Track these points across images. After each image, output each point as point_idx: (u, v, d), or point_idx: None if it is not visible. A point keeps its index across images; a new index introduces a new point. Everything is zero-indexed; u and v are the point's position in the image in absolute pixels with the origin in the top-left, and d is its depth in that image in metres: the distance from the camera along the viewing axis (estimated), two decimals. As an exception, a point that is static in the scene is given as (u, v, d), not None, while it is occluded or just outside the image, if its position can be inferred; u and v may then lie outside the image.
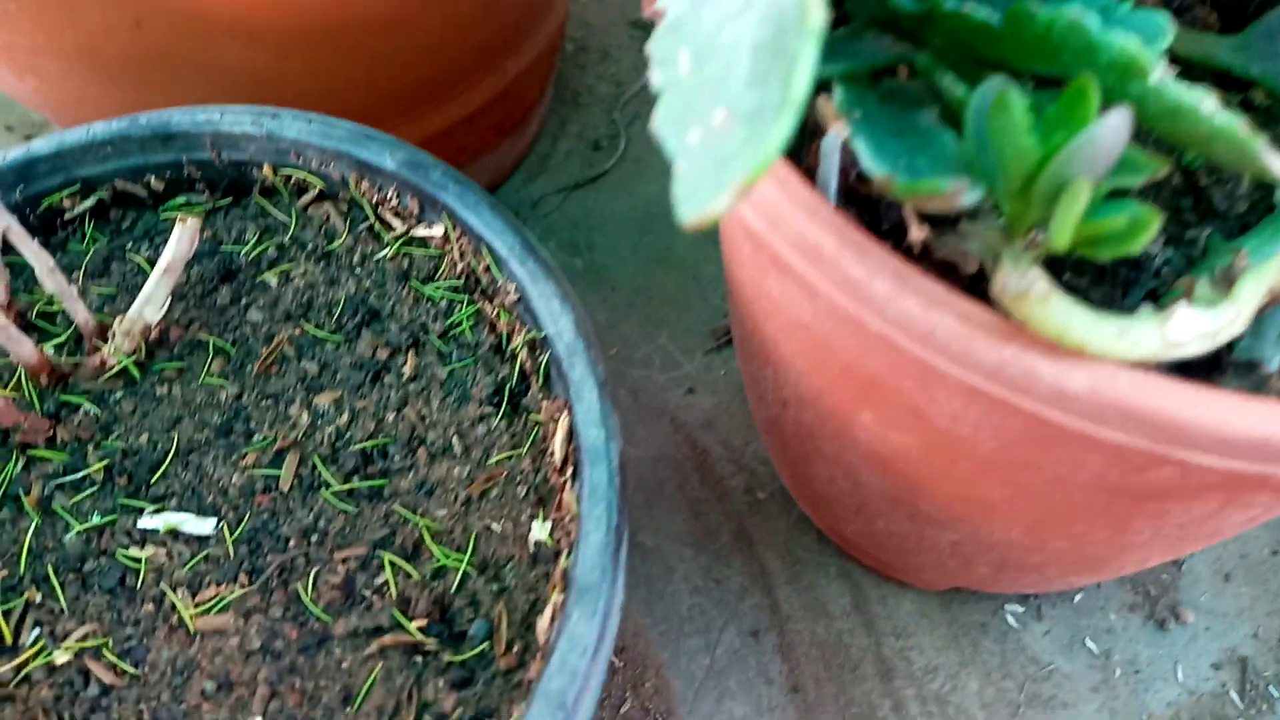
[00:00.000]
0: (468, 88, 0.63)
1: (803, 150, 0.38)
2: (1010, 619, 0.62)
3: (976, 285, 0.35)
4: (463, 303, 0.45)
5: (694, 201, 0.22)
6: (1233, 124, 0.26)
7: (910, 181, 0.27)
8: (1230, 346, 0.36)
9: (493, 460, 0.41)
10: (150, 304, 0.42)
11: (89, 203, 0.47)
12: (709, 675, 0.60)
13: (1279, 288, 0.31)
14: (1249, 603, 0.62)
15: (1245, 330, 0.36)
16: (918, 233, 0.31)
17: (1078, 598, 0.62)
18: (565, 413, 0.40)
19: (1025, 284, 0.27)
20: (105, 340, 0.43)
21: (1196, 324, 0.29)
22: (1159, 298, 0.37)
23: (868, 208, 0.37)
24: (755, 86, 0.23)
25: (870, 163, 0.28)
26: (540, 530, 0.40)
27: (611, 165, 0.81)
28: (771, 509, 0.65)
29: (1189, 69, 0.42)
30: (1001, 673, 0.60)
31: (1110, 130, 0.25)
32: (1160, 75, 0.26)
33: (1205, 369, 0.36)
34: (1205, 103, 0.26)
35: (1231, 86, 0.42)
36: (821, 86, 0.34)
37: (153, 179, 0.47)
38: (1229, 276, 0.30)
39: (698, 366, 0.71)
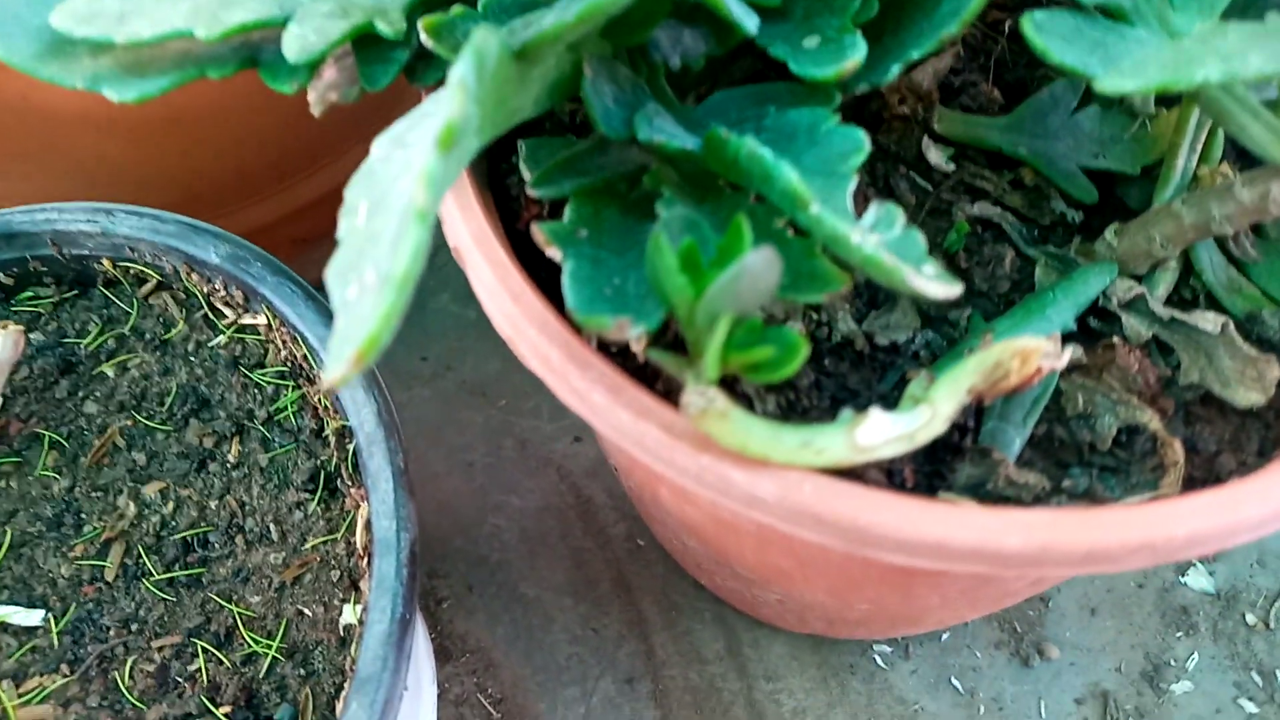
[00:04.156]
0: (340, 155, 0.65)
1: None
2: (878, 659, 0.63)
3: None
4: (288, 388, 0.47)
5: (331, 363, 0.24)
6: (876, 253, 0.27)
7: (583, 316, 0.29)
8: (979, 426, 0.38)
9: (308, 545, 0.43)
10: (-20, 405, 0.44)
11: (-60, 299, 0.49)
12: (584, 723, 0.62)
13: (980, 386, 0.32)
14: (1113, 636, 0.64)
15: (992, 411, 0.38)
16: (637, 346, 0.33)
17: (945, 636, 0.64)
18: (366, 501, 0.42)
19: (703, 402, 0.29)
20: (-57, 438, 0.45)
21: (888, 429, 0.30)
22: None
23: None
24: (392, 250, 0.25)
25: (567, 295, 0.30)
26: (351, 614, 0.42)
27: (510, 215, 0.82)
28: (651, 555, 0.67)
29: (964, 151, 0.44)
30: (869, 714, 0.62)
31: (755, 267, 0.27)
32: (818, 207, 0.28)
33: (951, 452, 0.37)
34: (854, 233, 0.28)
35: (1007, 165, 0.44)
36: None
37: (1, 275, 0.49)
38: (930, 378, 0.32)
39: (585, 415, 0.73)
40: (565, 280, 0.31)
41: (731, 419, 0.29)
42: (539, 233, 0.32)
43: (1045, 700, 0.62)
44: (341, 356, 0.23)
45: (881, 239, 0.29)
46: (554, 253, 0.32)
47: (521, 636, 0.65)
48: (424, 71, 0.36)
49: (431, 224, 0.24)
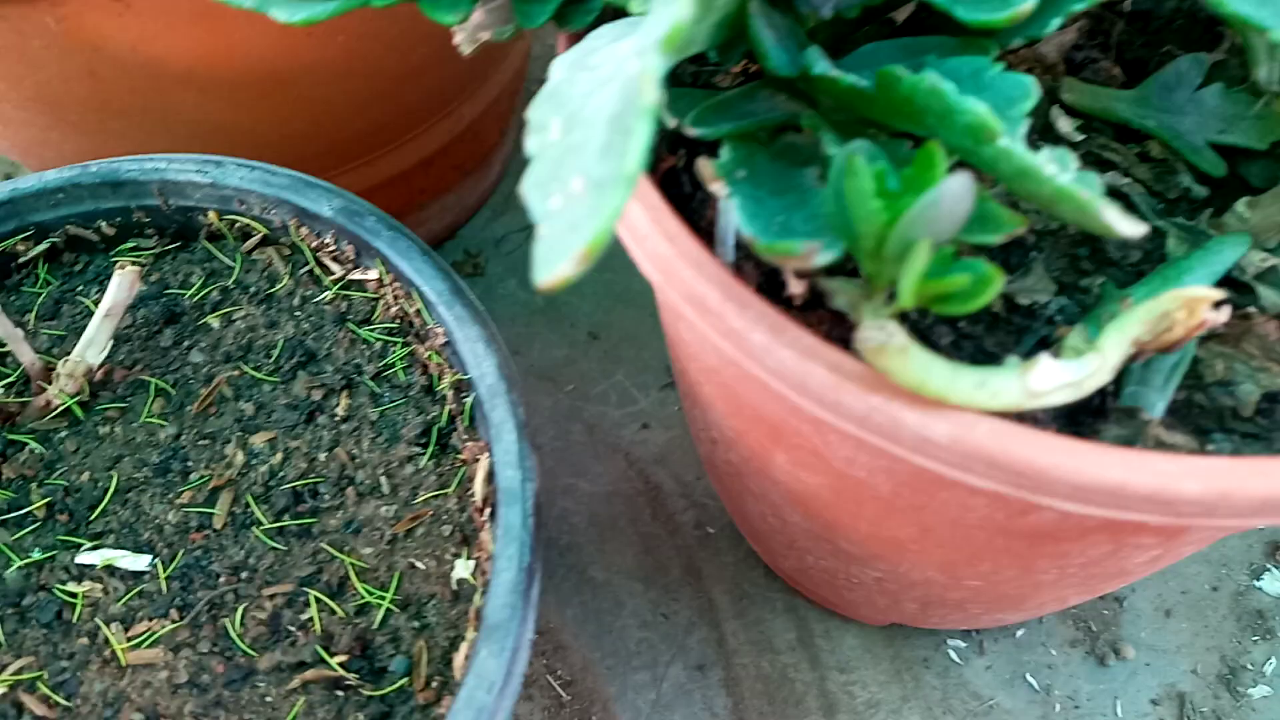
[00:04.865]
0: (422, 132, 0.65)
1: (705, 205, 0.39)
2: (953, 654, 0.63)
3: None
4: (396, 345, 0.46)
5: (546, 265, 0.24)
6: (1072, 186, 0.27)
7: (769, 242, 0.28)
8: (1118, 392, 0.38)
9: (419, 500, 0.43)
10: (92, 347, 0.43)
11: (42, 247, 0.49)
12: (655, 709, 0.61)
13: (1144, 338, 0.32)
14: (1189, 639, 0.63)
15: (1131, 377, 0.38)
16: (796, 286, 0.32)
17: (1020, 633, 0.63)
18: (486, 454, 0.41)
19: (883, 337, 0.29)
20: (51, 382, 0.44)
21: (1059, 375, 0.30)
22: (1050, 344, 0.38)
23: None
24: (605, 157, 0.25)
25: (741, 224, 0.30)
26: (464, 568, 0.41)
27: (575, 205, 0.82)
28: (721, 543, 0.66)
29: (1090, 123, 0.44)
30: (943, 708, 0.61)
31: (953, 193, 0.27)
32: (1008, 140, 0.28)
33: (1092, 414, 0.37)
34: (1048, 166, 0.27)
35: (1132, 139, 0.44)
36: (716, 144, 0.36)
37: (104, 224, 0.49)
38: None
39: (652, 402, 0.72)
40: (738, 213, 0.30)
41: (911, 355, 0.29)
42: (706, 167, 0.32)
43: (1121, 700, 0.61)
44: (567, 253, 0.23)
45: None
46: (718, 188, 0.32)
47: (591, 619, 0.64)
48: (573, 16, 0.36)
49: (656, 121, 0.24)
